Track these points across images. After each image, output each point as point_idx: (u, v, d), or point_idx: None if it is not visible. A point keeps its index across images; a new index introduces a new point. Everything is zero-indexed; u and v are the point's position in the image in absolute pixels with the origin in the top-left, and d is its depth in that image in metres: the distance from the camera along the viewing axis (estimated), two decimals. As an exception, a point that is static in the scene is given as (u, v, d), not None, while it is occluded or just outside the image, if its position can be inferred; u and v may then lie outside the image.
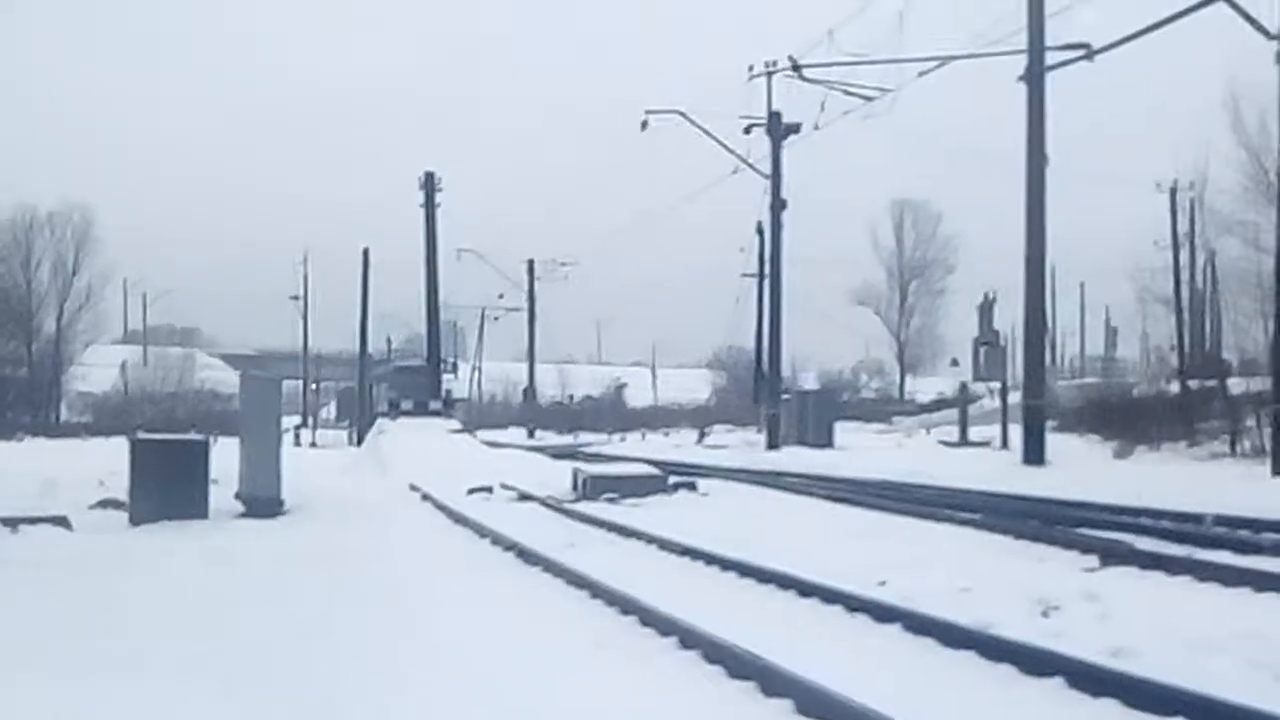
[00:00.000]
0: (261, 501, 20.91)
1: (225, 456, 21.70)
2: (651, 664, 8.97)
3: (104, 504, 20.69)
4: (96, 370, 78.26)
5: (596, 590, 12.08)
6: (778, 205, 43.85)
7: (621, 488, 23.35)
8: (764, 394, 50.11)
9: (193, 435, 22.26)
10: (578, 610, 11.66)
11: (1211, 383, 44.11)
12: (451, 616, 11.37)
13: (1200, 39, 27.88)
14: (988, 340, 46.08)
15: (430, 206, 60.03)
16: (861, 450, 45.40)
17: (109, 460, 22.87)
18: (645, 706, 7.78)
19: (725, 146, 43.17)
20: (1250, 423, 34.41)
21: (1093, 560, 14.00)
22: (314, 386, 67.91)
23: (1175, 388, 47.90)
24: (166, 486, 19.76)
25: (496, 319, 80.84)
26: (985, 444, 45.95)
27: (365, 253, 70.07)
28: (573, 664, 9.00)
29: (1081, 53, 30.43)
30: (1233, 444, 36.40)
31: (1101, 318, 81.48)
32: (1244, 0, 25.03)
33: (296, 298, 79.01)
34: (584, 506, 21.88)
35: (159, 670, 8.93)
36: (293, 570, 14.87)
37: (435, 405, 56.69)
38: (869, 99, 36.07)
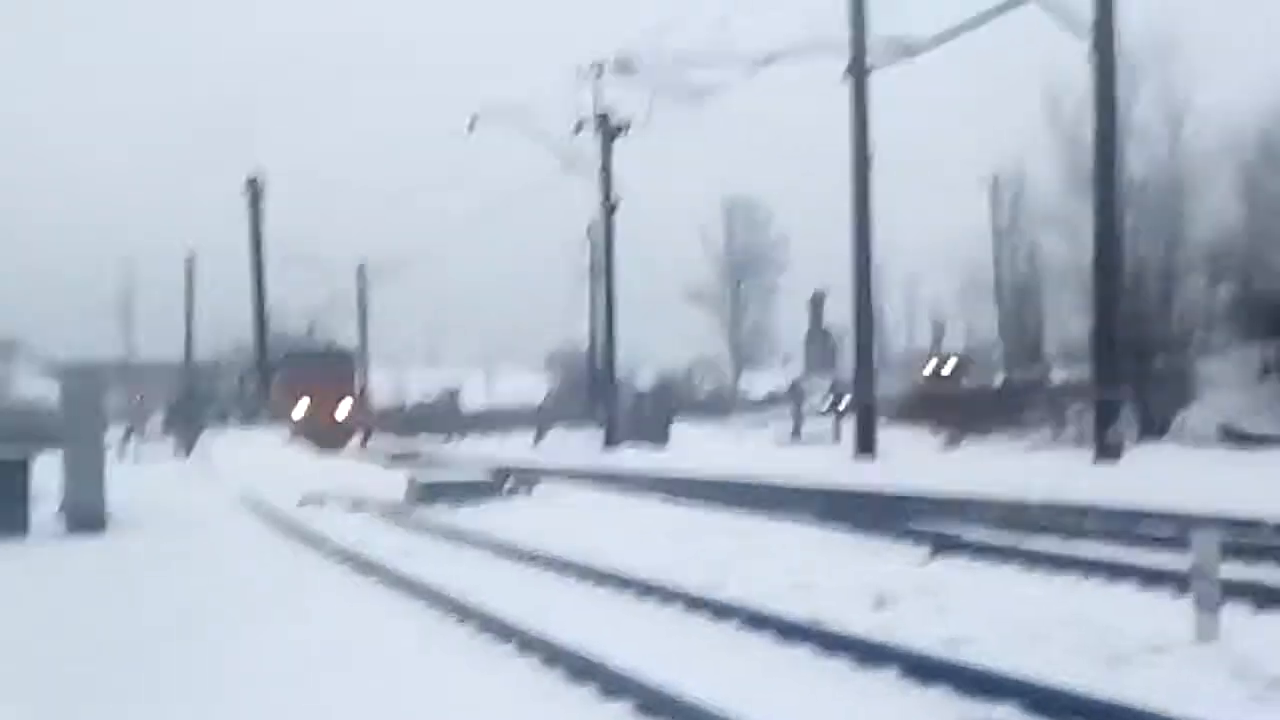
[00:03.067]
0: (86, 516, 20.33)
1: (49, 473, 21.13)
2: (497, 670, 8.95)
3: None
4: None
5: (434, 599, 11.99)
6: (608, 205, 43.89)
7: (458, 493, 23.21)
8: (600, 393, 50.19)
9: (8, 450, 21.40)
10: (410, 615, 11.59)
11: (1034, 374, 45.10)
12: (277, 634, 11.13)
13: (1019, 39, 28.47)
14: (817, 336, 46.74)
15: (255, 212, 59.33)
16: (697, 448, 45.67)
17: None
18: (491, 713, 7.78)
19: (552, 147, 43.14)
20: (1072, 411, 35.26)
21: (925, 551, 14.25)
22: (137, 399, 66.13)
23: (998, 379, 48.96)
24: (-16, 503, 19.26)
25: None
26: (818, 438, 46.51)
27: (189, 261, 69.01)
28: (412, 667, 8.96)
29: (904, 52, 30.90)
30: (1055, 431, 37.32)
31: (927, 310, 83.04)
32: (1059, 1, 25.66)
33: (120, 304, 78.27)
34: (420, 513, 21.75)
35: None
36: (126, 588, 14.54)
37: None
38: (699, 97, 36.28)
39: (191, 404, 60.56)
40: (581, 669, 8.30)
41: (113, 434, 45.65)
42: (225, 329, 72.68)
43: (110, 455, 25.85)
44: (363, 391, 64.06)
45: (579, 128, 42.19)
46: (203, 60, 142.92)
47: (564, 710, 7.67)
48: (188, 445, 49.78)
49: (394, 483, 25.66)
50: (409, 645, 10.26)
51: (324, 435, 50.53)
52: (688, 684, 7.30)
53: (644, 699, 7.36)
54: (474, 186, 56.61)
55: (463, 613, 11.09)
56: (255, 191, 59.67)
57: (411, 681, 8.79)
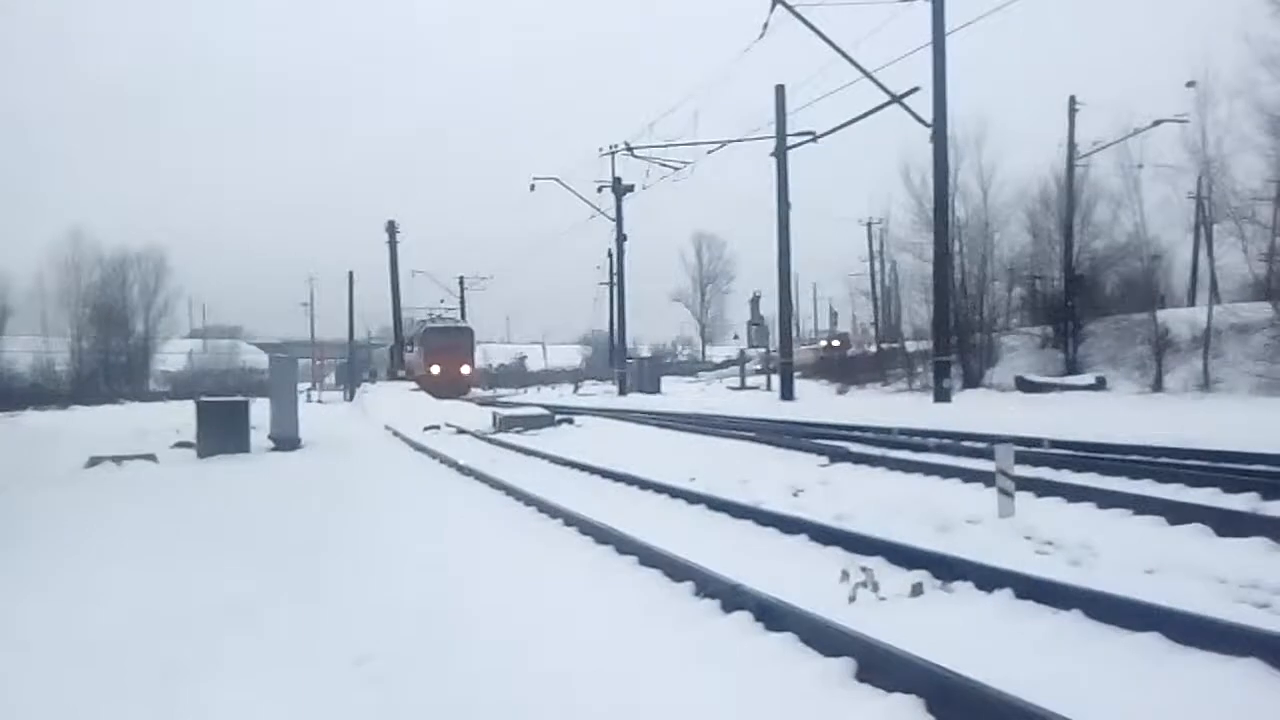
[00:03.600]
0: (286, 439, 20.58)
1: (261, 411, 21.33)
2: (542, 536, 8.98)
3: (180, 445, 20.21)
4: (173, 356, 77.06)
5: (508, 490, 12.02)
6: (620, 238, 43.92)
7: (524, 423, 23.23)
8: (616, 360, 50.25)
9: (237, 398, 21.79)
10: (496, 501, 11.64)
11: (896, 345, 45.09)
12: (410, 502, 11.25)
13: (887, 127, 28.38)
14: (755, 322, 46.83)
15: (393, 244, 59.42)
16: (678, 394, 45.68)
17: (183, 417, 22.23)
18: (532, 553, 7.81)
19: (586, 200, 43.11)
20: (920, 369, 35.29)
21: (825, 459, 14.24)
22: (319, 362, 65.99)
23: (873, 349, 48.91)
24: (221, 431, 19.52)
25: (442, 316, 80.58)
26: (756, 388, 46.51)
27: (350, 275, 68.96)
28: (493, 535, 9.00)
29: (809, 137, 30.77)
30: (909, 383, 37.32)
31: (827, 305, 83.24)
32: (912, 102, 25.49)
33: (306, 304, 78.84)
34: (500, 436, 21.77)
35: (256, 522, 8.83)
36: (311, 476, 14.99)
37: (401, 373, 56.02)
38: (677, 168, 36.18)
39: (352, 367, 60.75)
40: (602, 537, 8.30)
41: (303, 387, 45.96)
42: (375, 318, 72.96)
43: (301, 401, 25.93)
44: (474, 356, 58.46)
45: (600, 188, 42.18)
46: (361, 133, 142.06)
47: (593, 558, 7.69)
48: (350, 394, 50.07)
49: (484, 417, 25.71)
50: (487, 509, 10.34)
51: (451, 386, 47.92)
52: (673, 545, 7.32)
53: (642, 555, 7.38)
54: (535, 225, 57.21)
55: (524, 498, 11.10)
56: (392, 230, 59.70)
57: (487, 530, 8.87)
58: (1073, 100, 36.20)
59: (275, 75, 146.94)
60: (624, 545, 7.74)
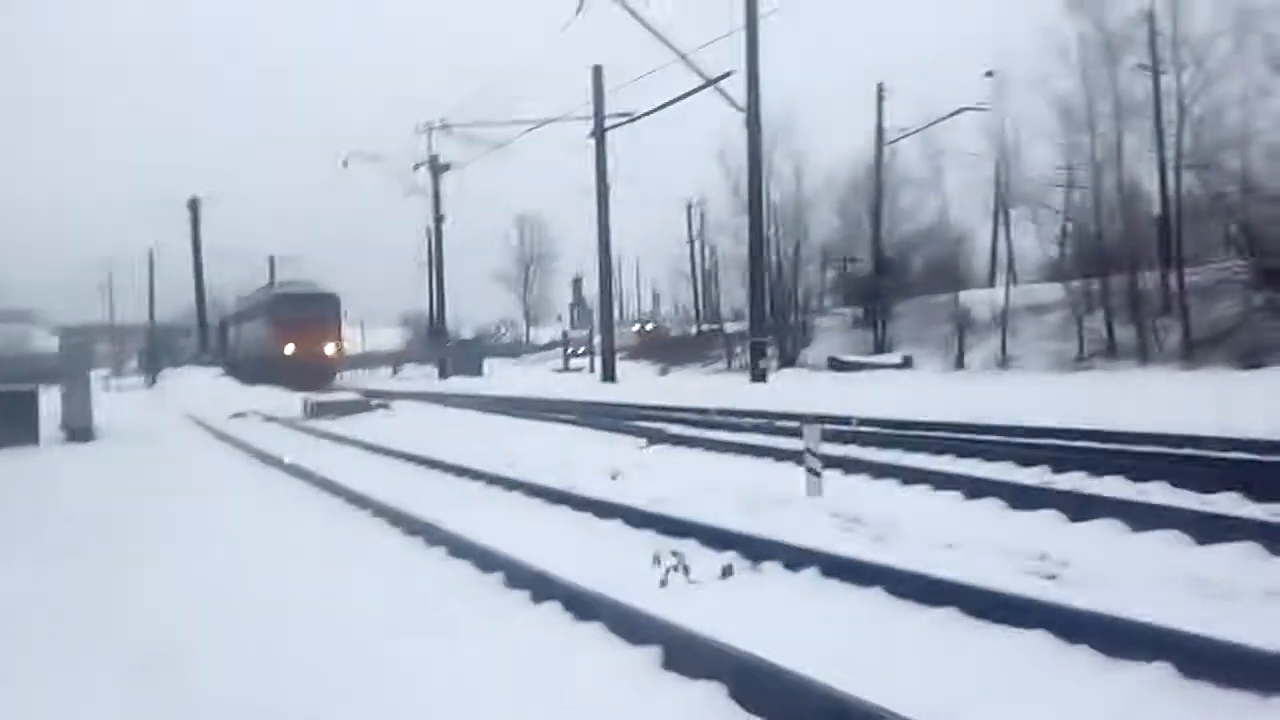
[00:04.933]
0: (79, 430, 19.36)
1: (54, 400, 20.03)
2: (349, 527, 8.67)
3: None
4: (-49, 344, 71.62)
5: (316, 480, 11.58)
6: (438, 218, 43.17)
7: (338, 409, 22.56)
8: (435, 343, 49.45)
9: (22, 387, 20.25)
10: (302, 492, 11.20)
11: (715, 327, 45.90)
12: (208, 497, 10.70)
13: (703, 112, 28.69)
14: (577, 303, 46.93)
15: (195, 222, 57.02)
16: (501, 377, 45.28)
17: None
18: (337, 546, 7.51)
19: (400, 179, 42.04)
20: (739, 350, 36.01)
21: (644, 442, 14.31)
22: (119, 347, 62.53)
23: (694, 330, 49.69)
24: (6, 423, 18.28)
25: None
26: (580, 370, 46.57)
27: (150, 254, 65.53)
28: (296, 529, 8.62)
29: (627, 118, 30.89)
30: (728, 363, 38.04)
31: (649, 286, 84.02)
32: (727, 85, 25.83)
33: (105, 287, 74.59)
34: (311, 423, 21.05)
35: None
36: (105, 468, 14.14)
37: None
38: (496, 147, 35.77)
39: (153, 352, 57.73)
40: (412, 528, 8.06)
41: (100, 374, 43.35)
42: (178, 300, 69.53)
43: (98, 388, 24.47)
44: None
45: (417, 167, 41.30)
46: (167, 109, 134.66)
47: (402, 549, 7.45)
48: (151, 381, 47.51)
49: (293, 403, 24.80)
50: (292, 501, 9.94)
51: (311, 372, 37.41)
52: (480, 532, 7.15)
53: (452, 545, 7.18)
54: (351, 203, 55.47)
55: (331, 488, 10.71)
56: (195, 207, 57.19)
57: (290, 523, 8.49)
58: (880, 88, 37.50)
59: (78, 47, 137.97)
60: (434, 535, 7.53)
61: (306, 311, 41.40)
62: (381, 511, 8.91)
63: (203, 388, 37.14)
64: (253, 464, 14.63)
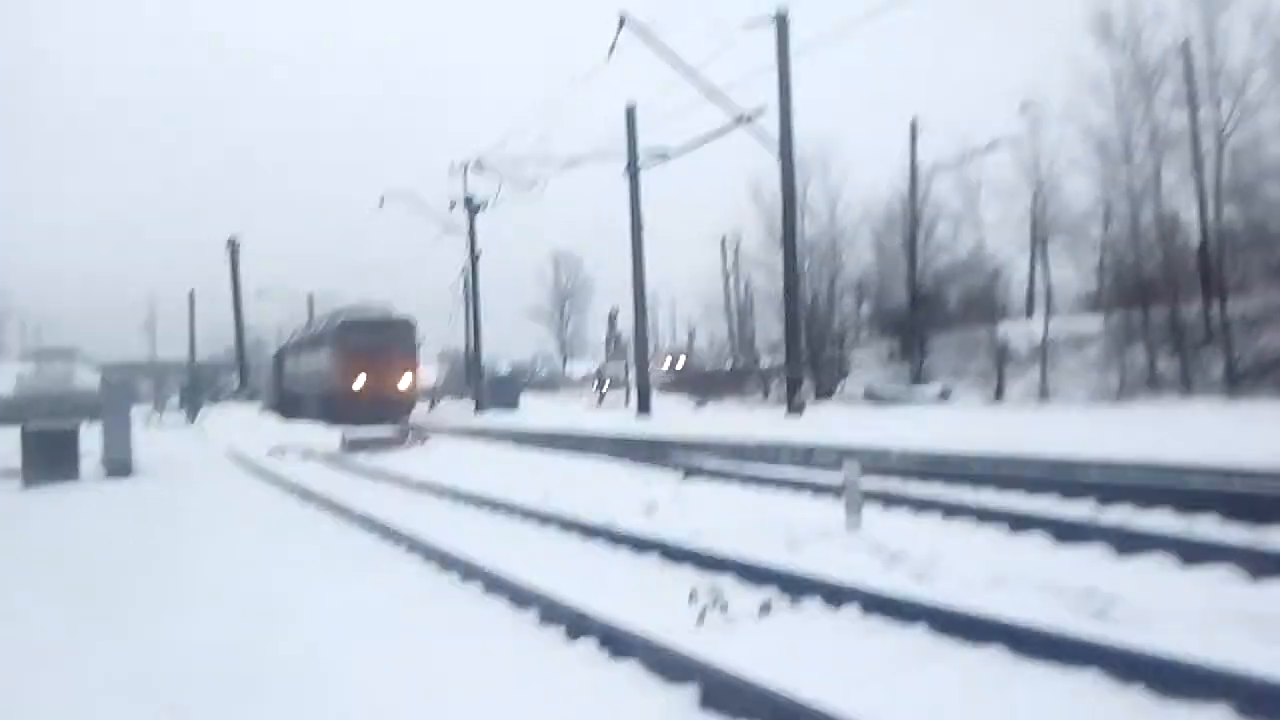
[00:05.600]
0: (118, 464, 19.47)
1: (96, 436, 20.18)
2: (381, 565, 8.60)
3: (3, 473, 18.91)
4: (2, 380, 72.90)
5: (351, 515, 11.54)
6: (474, 255, 43.32)
7: (375, 445, 22.58)
8: (472, 377, 49.58)
9: (65, 424, 20.45)
10: (337, 529, 11.15)
11: (751, 360, 45.75)
12: (243, 535, 10.67)
13: (736, 149, 28.64)
14: (611, 338, 46.94)
15: (234, 261, 57.72)
16: (537, 411, 45.24)
17: (10, 444, 20.72)
18: (369, 585, 7.43)
19: (437, 217, 42.13)
20: (775, 383, 35.79)
21: (680, 475, 14.19)
22: (160, 384, 63.29)
23: (730, 365, 49.51)
24: (49, 459, 18.38)
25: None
26: (615, 404, 46.49)
27: (191, 294, 66.54)
28: (329, 566, 8.55)
29: (661, 156, 30.91)
30: (764, 397, 37.83)
31: (685, 321, 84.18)
32: (761, 122, 25.79)
33: (145, 325, 75.84)
34: (349, 458, 21.06)
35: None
36: (141, 507, 13.99)
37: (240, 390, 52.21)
38: (529, 187, 35.87)
39: (195, 390, 58.16)
40: (446, 563, 7.99)
41: (142, 410, 43.77)
42: (218, 338, 70.29)
43: (139, 425, 24.66)
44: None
45: (452, 205, 41.52)
46: (206, 152, 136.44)
47: (435, 586, 7.37)
48: (193, 417, 47.83)
49: (332, 439, 24.87)
50: (327, 538, 9.88)
51: (384, 407, 33.57)
52: (515, 567, 7.07)
53: (486, 581, 7.10)
54: (386, 242, 55.90)
55: (366, 523, 10.66)
56: (234, 248, 58.00)
57: (322, 562, 8.39)
58: (914, 123, 37.36)
59: (114, 95, 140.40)
60: (469, 572, 7.45)
61: (379, 340, 36.43)
62: (415, 547, 8.84)
63: (242, 423, 37.37)
64: (288, 500, 14.62)
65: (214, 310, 65.03)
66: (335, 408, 34.66)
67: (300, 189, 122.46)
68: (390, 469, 17.39)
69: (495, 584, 6.90)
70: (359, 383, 35.60)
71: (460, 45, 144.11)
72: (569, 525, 9.67)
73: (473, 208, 40.91)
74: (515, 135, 39.92)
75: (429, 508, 12.48)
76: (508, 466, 17.01)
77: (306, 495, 14.26)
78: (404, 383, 36.96)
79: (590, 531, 9.21)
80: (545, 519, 10.24)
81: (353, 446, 22.45)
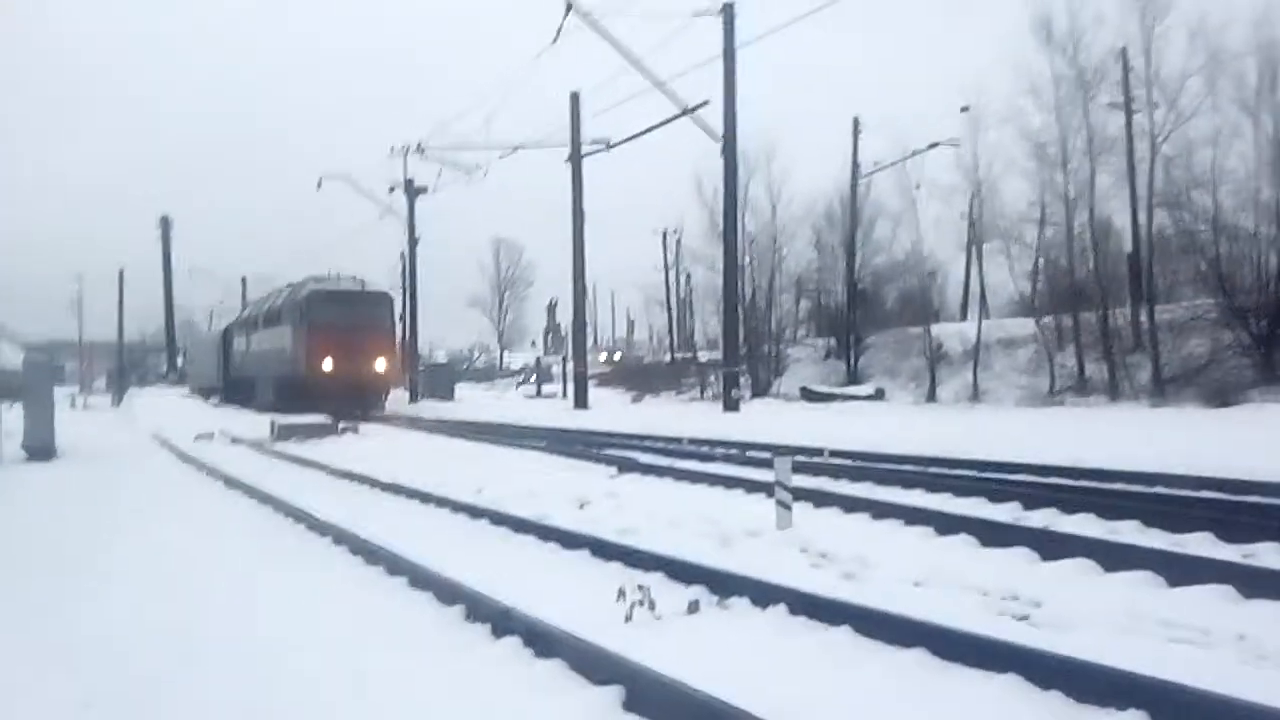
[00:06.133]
0: (40, 448, 18.96)
1: (17, 417, 19.67)
2: (307, 556, 8.47)
3: (-88, 456, 18.33)
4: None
5: (277, 504, 11.34)
6: (412, 241, 42.93)
7: (306, 432, 22.24)
8: (408, 365, 49.10)
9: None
10: (263, 517, 10.96)
11: (689, 355, 45.90)
12: (165, 523, 10.42)
13: (678, 140, 28.73)
14: (551, 329, 46.74)
15: (166, 239, 56.59)
16: (473, 401, 44.96)
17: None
18: (292, 578, 7.31)
19: (376, 200, 41.57)
20: (712, 379, 35.94)
21: (614, 470, 14.17)
22: (87, 364, 61.86)
23: (668, 358, 49.62)
24: (-37, 442, 17.88)
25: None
26: (553, 395, 46.39)
27: (120, 272, 65.01)
28: (253, 556, 8.39)
29: (603, 145, 30.91)
30: (701, 392, 37.96)
31: (625, 313, 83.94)
32: (705, 114, 25.86)
33: (72, 304, 74.03)
34: (279, 446, 20.75)
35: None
36: (61, 492, 13.73)
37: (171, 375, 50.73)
38: (470, 171, 35.66)
39: (122, 371, 56.94)
40: (373, 557, 7.87)
41: (68, 391, 42.77)
42: (150, 319, 68.84)
43: (64, 406, 24.07)
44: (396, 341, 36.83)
45: (392, 189, 41.10)
46: (139, 126, 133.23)
47: (361, 579, 7.26)
48: (119, 400, 46.83)
49: (262, 424, 24.48)
50: (252, 526, 9.71)
51: (358, 394, 30.46)
52: (443, 562, 7.00)
53: (413, 575, 7.00)
54: (325, 224, 55.09)
55: (293, 513, 10.44)
56: (166, 226, 56.89)
57: (247, 551, 8.22)
58: (856, 121, 37.71)
59: (44, 64, 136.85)
60: (396, 565, 7.35)
61: (352, 315, 32.12)
62: (343, 539, 8.72)
63: (170, 408, 36.68)
64: (214, 486, 14.38)
65: (144, 290, 63.86)
66: (297, 392, 30.95)
67: (236, 170, 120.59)
68: (320, 458, 17.16)
69: (422, 578, 6.82)
70: (328, 364, 31.25)
71: (405, 28, 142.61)
72: (500, 519, 9.59)
73: (412, 192, 40.54)
74: (458, 120, 39.55)
75: (359, 498, 12.34)
76: (441, 458, 16.85)
77: (232, 483, 14.02)
78: (380, 365, 32.73)
79: (521, 526, 9.15)
80: (477, 512, 10.16)
81: (283, 433, 22.10)
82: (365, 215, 42.75)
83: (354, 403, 29.22)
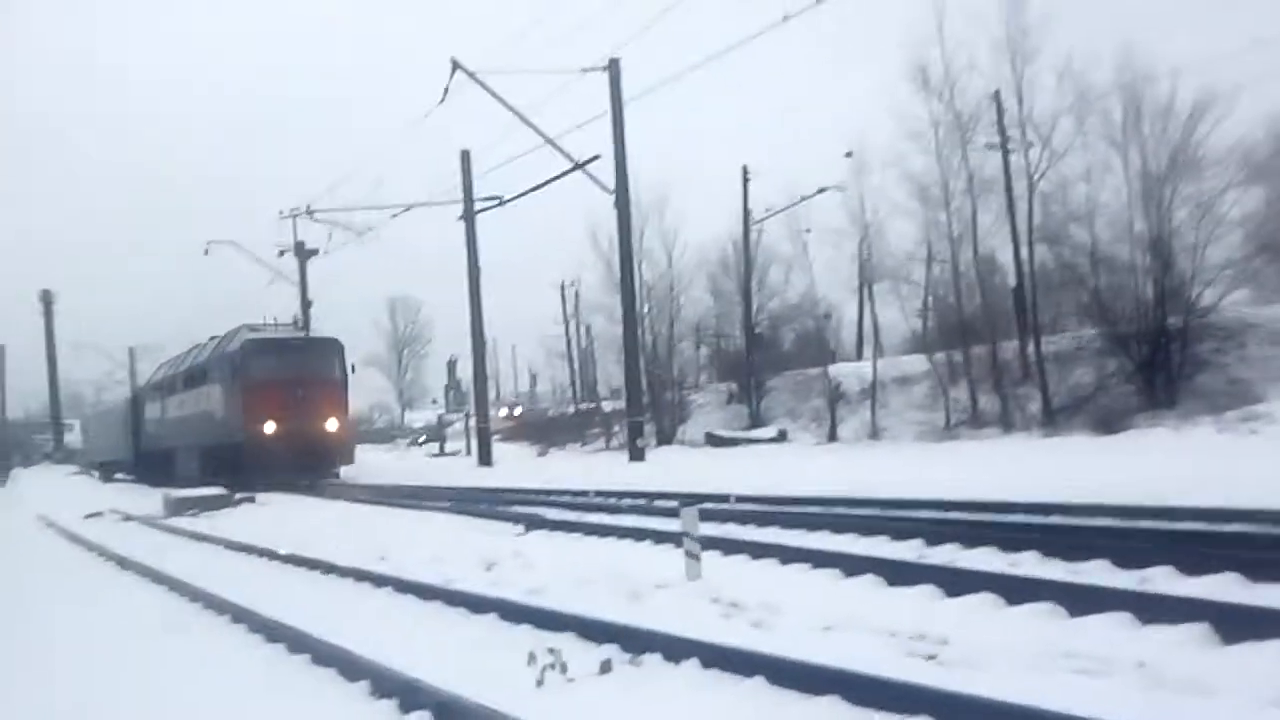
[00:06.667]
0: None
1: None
2: (205, 636, 8.17)
3: None
4: None
5: (172, 583, 10.93)
6: (305, 304, 42.21)
7: (201, 504, 21.59)
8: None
9: None
10: (156, 597, 10.55)
11: (593, 405, 45.85)
12: (52, 606, 9.98)
13: (573, 194, 28.87)
14: (452, 386, 46.30)
15: (49, 314, 54.78)
16: (373, 464, 44.15)
17: None
18: (189, 660, 7.04)
19: (266, 264, 40.62)
20: (617, 429, 35.93)
21: (520, 528, 14.00)
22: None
23: (571, 409, 49.50)
24: None
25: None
26: (456, 453, 45.84)
27: (0, 349, 62.76)
28: (144, 640, 8.06)
29: (496, 201, 30.92)
30: (606, 442, 37.91)
31: (526, 366, 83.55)
32: (597, 167, 26.05)
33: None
34: (173, 521, 20.06)
35: None
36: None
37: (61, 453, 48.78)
38: (361, 232, 35.23)
39: (5, 450, 54.60)
40: (274, 634, 7.63)
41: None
42: (32, 395, 66.25)
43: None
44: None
45: (281, 253, 40.41)
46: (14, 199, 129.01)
47: (262, 659, 7.02)
48: (3, 480, 44.84)
49: (155, 502, 23.66)
50: (144, 607, 9.32)
51: (305, 459, 26.87)
52: (347, 636, 6.80)
53: (316, 652, 6.78)
54: (214, 291, 53.82)
55: (189, 591, 10.07)
56: (48, 300, 55.11)
57: (138, 633, 7.89)
58: (745, 170, 38.36)
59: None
60: (298, 643, 7.12)
61: (298, 366, 28.21)
62: (242, 616, 8.43)
63: (58, 486, 35.26)
64: (103, 567, 13.81)
65: (26, 368, 61.49)
66: (231, 462, 27.14)
67: (120, 241, 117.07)
68: (217, 531, 16.65)
69: (326, 655, 6.62)
70: (269, 426, 27.09)
71: (289, 92, 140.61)
72: (404, 587, 9.37)
73: (303, 254, 39.87)
74: (347, 181, 38.98)
75: (259, 572, 11.96)
76: (343, 525, 16.48)
77: (124, 563, 13.49)
78: (332, 424, 28.55)
79: (427, 593, 8.95)
80: (380, 580, 9.92)
81: (178, 508, 21.41)
82: (256, 281, 41.72)
83: (303, 469, 26.39)
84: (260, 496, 23.45)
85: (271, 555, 12.98)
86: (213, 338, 34.27)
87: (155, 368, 41.43)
